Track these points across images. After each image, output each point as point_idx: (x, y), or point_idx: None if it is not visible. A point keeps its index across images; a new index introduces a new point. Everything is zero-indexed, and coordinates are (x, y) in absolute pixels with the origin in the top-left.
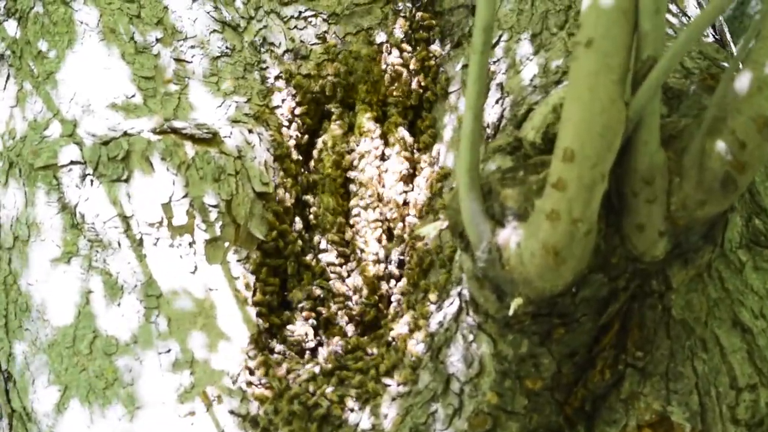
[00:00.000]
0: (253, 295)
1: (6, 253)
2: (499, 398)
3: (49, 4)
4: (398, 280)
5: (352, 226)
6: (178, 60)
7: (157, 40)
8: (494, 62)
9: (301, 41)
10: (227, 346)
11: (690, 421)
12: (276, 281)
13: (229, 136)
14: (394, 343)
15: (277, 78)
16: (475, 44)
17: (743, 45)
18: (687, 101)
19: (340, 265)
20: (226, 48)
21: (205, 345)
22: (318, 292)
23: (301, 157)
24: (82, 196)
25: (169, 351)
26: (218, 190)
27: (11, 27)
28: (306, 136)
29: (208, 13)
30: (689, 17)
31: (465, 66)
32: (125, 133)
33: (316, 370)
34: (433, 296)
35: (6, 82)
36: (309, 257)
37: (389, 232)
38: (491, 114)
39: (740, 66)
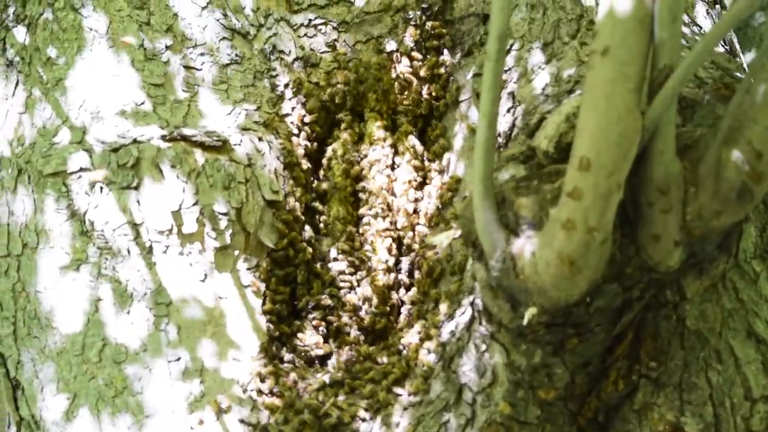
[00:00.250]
0: (263, 303)
1: (15, 260)
2: (512, 408)
3: (59, 11)
4: (408, 289)
5: (361, 235)
6: (187, 67)
7: (167, 48)
8: (506, 71)
9: (311, 49)
10: (237, 354)
11: None
12: (286, 290)
13: (239, 144)
14: (405, 352)
15: (286, 86)
16: (490, 52)
17: (760, 54)
18: (701, 111)
19: (350, 275)
20: (236, 56)
21: (215, 353)
22: (328, 301)
23: (310, 166)
24: (92, 203)
25: (178, 359)
26: (228, 197)
27: (20, 33)
28: (316, 144)
29: (217, 20)
30: (700, 27)
31: (476, 75)
32: (135, 141)
33: (327, 379)
34: (443, 306)
35: (15, 88)
36: (319, 266)
37: (399, 241)
38: (503, 123)
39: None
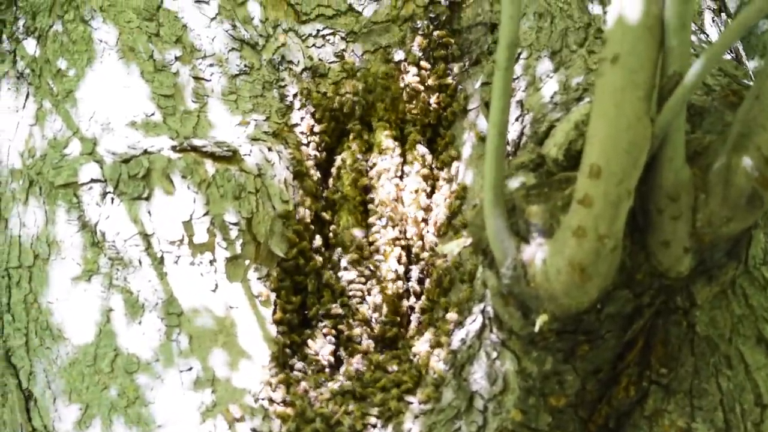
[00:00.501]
0: (274, 312)
1: (26, 271)
2: (523, 415)
3: (69, 23)
4: (418, 297)
5: (371, 244)
6: (197, 78)
7: (176, 59)
8: (514, 80)
9: (320, 59)
10: (248, 364)
11: None
12: (296, 299)
13: (249, 154)
14: (415, 360)
15: (295, 96)
16: (499, 61)
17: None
18: (710, 118)
19: (361, 284)
20: (245, 66)
21: (227, 363)
22: (339, 310)
23: (320, 175)
24: (103, 214)
25: (190, 369)
26: (239, 208)
27: (30, 45)
28: (325, 154)
29: (226, 31)
30: (707, 34)
31: (484, 83)
32: (145, 151)
33: (338, 387)
34: (453, 314)
35: (25, 100)
36: (329, 275)
37: (408, 250)
38: (511, 131)
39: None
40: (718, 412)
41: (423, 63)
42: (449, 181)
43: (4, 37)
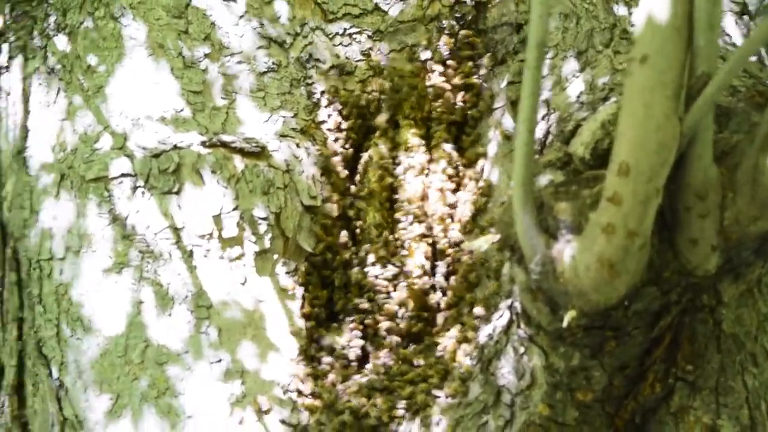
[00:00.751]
0: (302, 306)
1: (58, 263)
2: (550, 410)
3: (99, 20)
4: (444, 293)
5: (397, 240)
6: (225, 75)
7: (205, 56)
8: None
9: (346, 57)
10: (277, 356)
11: None
12: (324, 294)
13: (277, 150)
14: (442, 355)
15: (322, 93)
16: (529, 60)
17: None
18: (736, 118)
19: (387, 280)
20: (273, 64)
21: (256, 355)
22: (366, 305)
23: (347, 172)
24: (133, 207)
25: (219, 361)
26: (267, 203)
27: (61, 42)
28: (351, 151)
29: (254, 29)
30: (729, 35)
31: (510, 83)
32: (175, 147)
33: (365, 381)
34: (479, 309)
35: (56, 95)
36: (355, 270)
37: (434, 246)
38: (537, 130)
39: None
40: (743, 410)
41: (449, 62)
42: (475, 178)
43: (36, 33)
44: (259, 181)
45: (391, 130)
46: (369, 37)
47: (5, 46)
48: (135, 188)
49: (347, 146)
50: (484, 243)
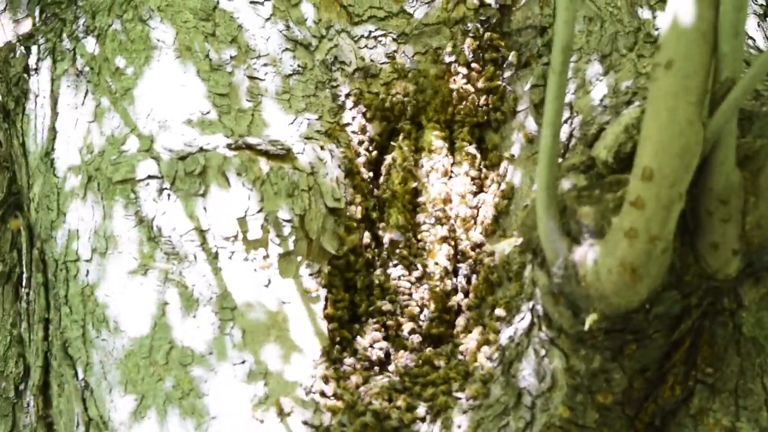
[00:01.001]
0: (325, 308)
1: (84, 264)
2: (570, 412)
3: (127, 22)
4: (466, 295)
5: (420, 242)
6: (251, 78)
7: (231, 58)
8: None
9: (371, 60)
10: (300, 358)
11: None
12: (347, 296)
13: (302, 153)
14: (463, 357)
15: (347, 96)
16: (554, 64)
17: None
18: (759, 122)
19: (410, 282)
20: (298, 66)
21: (279, 357)
22: (388, 306)
23: (371, 174)
24: (159, 209)
25: (243, 362)
26: (292, 205)
27: (90, 44)
28: (375, 153)
29: (280, 32)
30: (753, 39)
31: (534, 86)
32: (201, 149)
33: (387, 382)
34: (501, 311)
35: (84, 97)
36: (378, 272)
37: (456, 248)
38: (560, 133)
39: None
40: (762, 412)
41: (473, 65)
42: (497, 181)
43: (65, 35)
44: (284, 183)
45: (414, 133)
46: (394, 39)
47: (34, 49)
48: (161, 190)
49: (371, 149)
50: (506, 246)
